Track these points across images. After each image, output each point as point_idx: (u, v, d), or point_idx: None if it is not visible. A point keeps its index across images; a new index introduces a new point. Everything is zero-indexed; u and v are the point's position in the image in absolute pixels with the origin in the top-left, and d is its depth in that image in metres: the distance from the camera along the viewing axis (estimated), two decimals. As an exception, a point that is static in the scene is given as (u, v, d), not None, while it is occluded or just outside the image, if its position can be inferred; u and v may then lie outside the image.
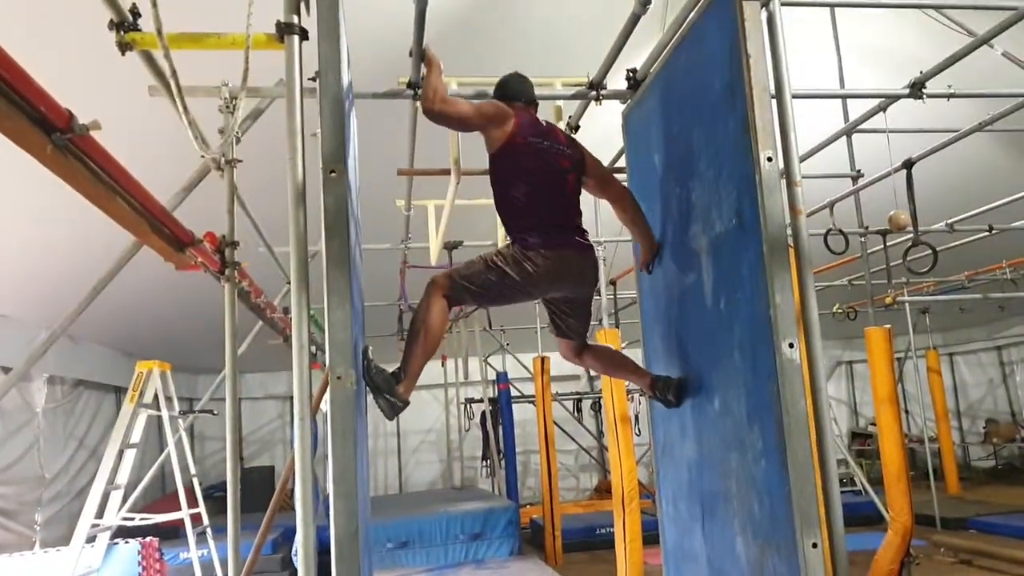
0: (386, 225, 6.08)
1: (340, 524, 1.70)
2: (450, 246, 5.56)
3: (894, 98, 3.64)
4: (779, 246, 1.97)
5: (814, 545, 1.84)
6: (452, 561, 6.71)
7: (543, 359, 8.10)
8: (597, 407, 12.39)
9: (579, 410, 11.95)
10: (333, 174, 1.81)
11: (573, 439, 11.26)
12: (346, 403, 1.74)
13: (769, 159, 2.00)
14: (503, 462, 9.64)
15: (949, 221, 6.01)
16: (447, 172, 4.42)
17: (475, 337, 9.68)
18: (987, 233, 6.15)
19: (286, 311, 5.84)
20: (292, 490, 3.96)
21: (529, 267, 2.81)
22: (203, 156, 2.55)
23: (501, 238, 5.48)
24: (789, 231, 2.02)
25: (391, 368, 2.63)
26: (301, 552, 1.75)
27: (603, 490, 12.24)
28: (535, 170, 2.92)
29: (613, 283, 6.00)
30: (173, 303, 8.18)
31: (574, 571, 6.66)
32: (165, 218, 2.15)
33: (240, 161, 2.81)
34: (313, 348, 7.00)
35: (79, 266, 4.87)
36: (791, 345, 1.92)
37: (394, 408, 2.71)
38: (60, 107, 1.54)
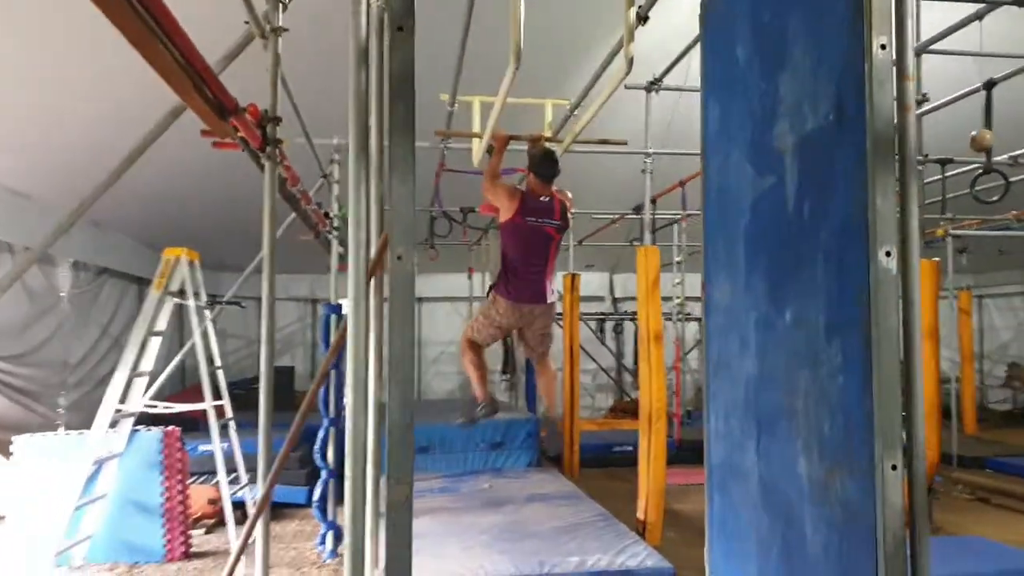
0: (423, 121, 5.86)
1: (395, 411, 1.60)
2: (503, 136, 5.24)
3: (997, 4, 3.33)
4: (885, 145, 1.78)
5: (893, 467, 1.72)
6: (472, 468, 6.77)
7: (573, 276, 7.97)
8: (619, 329, 12.35)
9: (602, 331, 11.92)
10: (401, 31, 1.62)
11: (593, 359, 11.25)
12: (406, 284, 1.60)
13: (883, 47, 1.79)
14: (524, 377, 9.67)
15: (1014, 154, 5.71)
16: (478, 135, 4.63)
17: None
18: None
19: (320, 205, 5.70)
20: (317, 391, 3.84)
21: (495, 313, 4.63)
22: (246, 22, 2.35)
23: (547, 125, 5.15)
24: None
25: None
26: (350, 450, 1.65)
27: (619, 410, 12.34)
28: (526, 244, 4.58)
29: (654, 201, 5.78)
30: (198, 194, 8.08)
31: (590, 485, 6.70)
32: (209, 76, 1.98)
33: (286, 30, 2.60)
34: (341, 249, 6.90)
35: (106, 143, 4.72)
36: (888, 254, 1.76)
37: (490, 412, 4.92)
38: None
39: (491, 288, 4.82)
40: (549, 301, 4.72)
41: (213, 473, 6.75)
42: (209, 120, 2.21)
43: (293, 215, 5.35)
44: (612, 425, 10.25)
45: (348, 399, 1.67)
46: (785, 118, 2.20)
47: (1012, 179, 6.05)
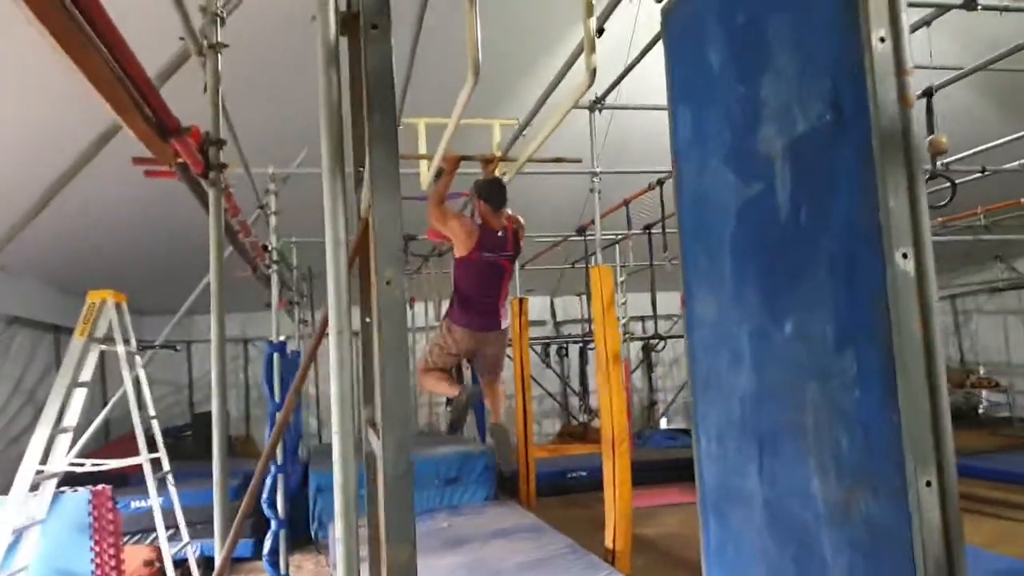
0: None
1: (389, 461, 1.40)
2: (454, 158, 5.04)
3: (945, 8, 3.37)
4: (892, 142, 1.69)
5: (928, 484, 1.61)
6: (427, 506, 6.49)
7: (521, 300, 7.83)
8: (564, 352, 12.26)
9: (547, 355, 11.80)
10: (375, 29, 1.44)
11: (539, 384, 11.10)
12: (396, 312, 1.41)
13: (882, 40, 1.71)
14: (473, 412, 9.43)
15: (945, 161, 5.86)
16: (427, 158, 4.60)
17: (446, 279, 9.37)
18: (980, 175, 6.03)
19: (258, 241, 5.40)
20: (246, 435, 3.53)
21: (451, 340, 4.70)
22: (181, 39, 2.14)
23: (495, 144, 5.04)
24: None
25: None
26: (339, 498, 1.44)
27: (567, 435, 12.20)
28: (481, 277, 4.63)
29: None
30: (120, 233, 7.62)
31: (549, 515, 6.51)
32: (150, 90, 1.75)
33: (226, 46, 2.39)
34: (280, 287, 6.60)
35: (12, 178, 4.35)
36: (905, 256, 1.66)
37: (474, 394, 4.79)
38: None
39: (445, 316, 4.81)
40: (503, 327, 4.86)
41: (147, 531, 6.29)
42: (151, 143, 1.97)
43: (229, 250, 5.05)
44: (560, 451, 10.09)
45: (335, 448, 1.46)
46: (771, 122, 2.10)
47: (958, 181, 6.25)
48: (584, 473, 8.52)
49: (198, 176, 2.41)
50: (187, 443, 11.45)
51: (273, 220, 5.30)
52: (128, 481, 8.20)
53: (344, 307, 1.49)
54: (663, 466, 8.35)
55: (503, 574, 4.52)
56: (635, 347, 12.83)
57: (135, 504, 7.10)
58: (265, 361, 5.33)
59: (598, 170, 5.38)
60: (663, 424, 12.92)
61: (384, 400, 1.40)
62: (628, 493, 5.14)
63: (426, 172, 4.68)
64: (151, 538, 6.42)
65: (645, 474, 8.27)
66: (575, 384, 12.34)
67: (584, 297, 12.37)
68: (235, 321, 12.51)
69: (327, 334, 1.64)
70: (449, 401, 5.26)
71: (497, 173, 4.85)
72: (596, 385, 12.70)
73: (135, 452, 5.83)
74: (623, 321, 9.35)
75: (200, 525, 6.11)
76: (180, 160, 2.42)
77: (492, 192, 4.63)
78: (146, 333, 10.93)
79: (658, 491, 7.59)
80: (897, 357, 1.65)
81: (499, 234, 4.65)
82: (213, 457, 2.60)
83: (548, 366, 11.83)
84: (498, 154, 4.77)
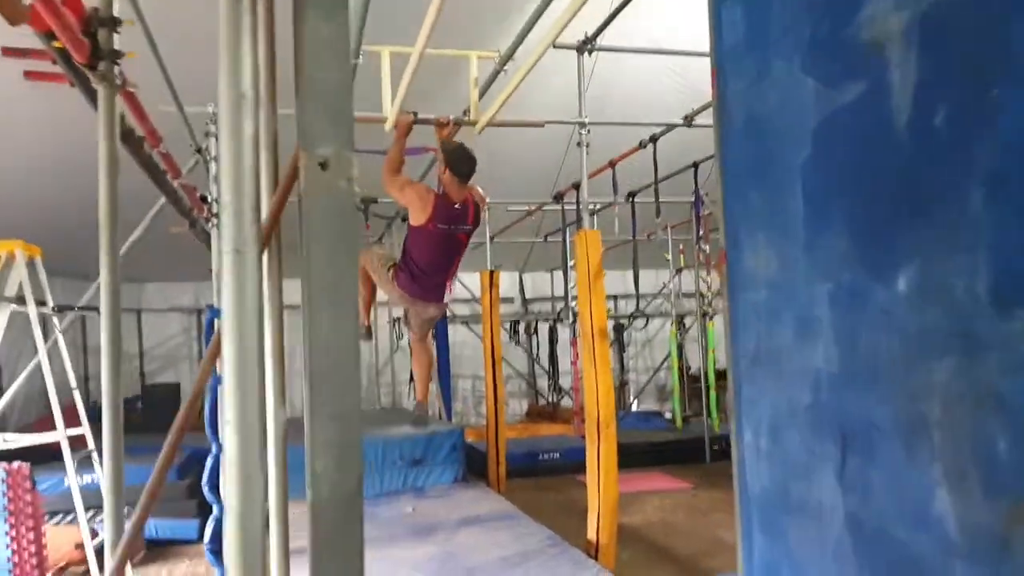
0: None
1: (324, 471, 0.78)
2: (406, 121, 4.42)
3: None
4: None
5: None
6: (389, 488, 5.90)
7: (492, 273, 7.20)
8: (533, 330, 11.71)
9: (516, 332, 11.25)
10: None
11: (508, 363, 10.55)
12: (340, 215, 0.80)
13: None
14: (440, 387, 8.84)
15: None
16: (382, 120, 4.15)
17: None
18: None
19: (196, 190, 4.69)
20: (202, 408, 3.00)
21: (390, 288, 4.72)
22: None
23: (474, 105, 4.48)
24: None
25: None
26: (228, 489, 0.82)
27: (534, 414, 11.69)
28: (433, 248, 4.52)
29: (579, 184, 5.13)
30: (40, 176, 6.78)
31: (521, 499, 5.97)
32: None
33: None
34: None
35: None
36: None
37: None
38: None
39: (393, 265, 4.70)
40: (446, 300, 4.94)
41: (91, 509, 5.64)
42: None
43: (162, 201, 4.33)
44: (530, 431, 9.54)
45: (228, 454, 0.85)
46: (883, -6, 1.50)
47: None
48: (557, 454, 8.00)
49: (83, 67, 1.76)
50: (138, 416, 10.66)
51: (214, 167, 4.59)
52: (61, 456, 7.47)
53: (249, 227, 0.87)
54: (640, 449, 7.86)
55: (477, 571, 3.94)
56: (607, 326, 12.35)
57: (68, 482, 6.38)
58: (206, 327, 4.67)
59: (586, 120, 4.76)
60: (634, 406, 12.48)
61: (315, 362, 0.79)
62: (615, 481, 4.60)
63: (390, 105, 4.03)
64: (89, 517, 5.77)
65: (621, 459, 7.74)
66: (544, 363, 11.82)
67: (555, 273, 11.85)
68: (187, 289, 11.75)
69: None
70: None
71: (459, 138, 4.48)
72: (568, 365, 12.21)
73: (76, 424, 5.19)
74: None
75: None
76: (57, 45, 1.75)
77: (461, 162, 4.43)
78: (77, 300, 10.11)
79: (637, 476, 7.10)
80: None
81: (456, 206, 4.52)
82: (103, 434, 1.99)
83: (517, 343, 11.27)
84: (473, 94, 4.20)
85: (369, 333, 5.34)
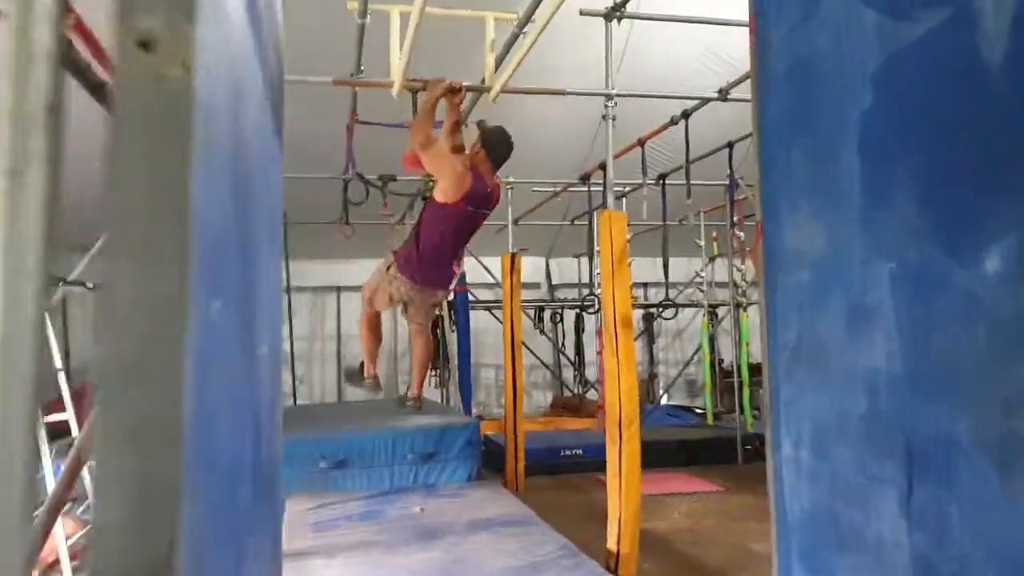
0: (326, 42, 4.63)
1: (117, 540, 0.47)
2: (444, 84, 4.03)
3: None
4: None
5: None
6: (399, 485, 5.62)
7: (513, 256, 6.89)
8: (559, 318, 11.38)
9: (540, 320, 10.91)
10: None
11: (532, 352, 10.22)
12: (168, 125, 0.48)
13: None
14: (455, 373, 8.56)
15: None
16: (388, 84, 3.77)
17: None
18: None
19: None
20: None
21: (391, 287, 4.29)
22: None
23: (489, 71, 4.16)
24: None
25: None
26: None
27: (559, 407, 11.35)
28: (455, 230, 4.14)
29: (606, 164, 4.79)
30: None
31: (539, 500, 5.67)
32: None
33: None
34: None
35: None
36: None
37: (372, 388, 4.93)
38: None
39: (390, 259, 4.39)
40: (451, 288, 4.75)
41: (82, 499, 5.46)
42: None
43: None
44: (554, 424, 9.21)
45: None
46: None
47: None
48: (580, 451, 7.66)
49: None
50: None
51: None
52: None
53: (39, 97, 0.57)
54: (667, 447, 7.49)
55: (483, 581, 3.67)
56: (635, 316, 11.97)
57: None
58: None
59: (613, 91, 4.41)
60: (663, 400, 12.08)
61: (105, 351, 0.50)
62: (637, 487, 4.27)
63: (398, 67, 3.72)
64: (81, 508, 5.58)
65: (647, 456, 7.40)
66: (570, 353, 11.49)
67: (582, 259, 11.50)
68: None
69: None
70: (362, 370, 4.97)
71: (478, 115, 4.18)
72: (593, 355, 11.86)
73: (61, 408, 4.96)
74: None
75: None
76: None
77: (500, 146, 4.12)
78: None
79: (663, 476, 6.74)
80: None
81: (488, 190, 4.22)
82: None
83: (542, 331, 10.93)
84: (489, 58, 3.87)
85: (377, 384, 4.91)
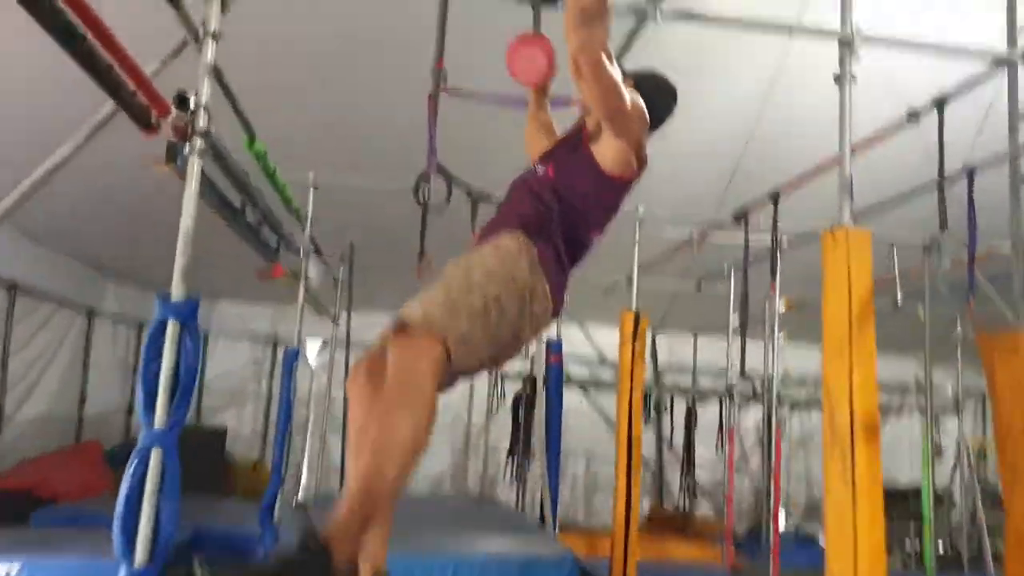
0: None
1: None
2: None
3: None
4: None
5: None
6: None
7: (636, 316, 5.03)
8: (666, 408, 9.47)
9: (645, 408, 9.02)
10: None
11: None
12: None
13: None
14: (539, 466, 6.63)
15: None
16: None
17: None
18: None
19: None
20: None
21: (538, 309, 2.28)
22: None
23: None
24: None
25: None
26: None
27: (657, 522, 9.15)
28: (614, 213, 2.64)
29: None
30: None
31: None
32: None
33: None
34: (276, 240, 4.31)
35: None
36: None
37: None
38: None
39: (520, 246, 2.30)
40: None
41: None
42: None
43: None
44: (662, 550, 7.04)
45: None
46: None
47: None
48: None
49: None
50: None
51: (210, 50, 2.60)
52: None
53: None
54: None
55: None
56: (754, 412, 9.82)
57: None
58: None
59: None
60: (782, 522, 9.56)
61: None
62: None
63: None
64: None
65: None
66: (677, 451, 9.55)
67: (699, 337, 9.60)
68: (263, 313, 10.04)
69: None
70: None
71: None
72: (708, 455, 9.77)
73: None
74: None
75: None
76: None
77: (663, 94, 2.64)
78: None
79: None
80: None
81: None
82: None
83: (646, 421, 9.02)
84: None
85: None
